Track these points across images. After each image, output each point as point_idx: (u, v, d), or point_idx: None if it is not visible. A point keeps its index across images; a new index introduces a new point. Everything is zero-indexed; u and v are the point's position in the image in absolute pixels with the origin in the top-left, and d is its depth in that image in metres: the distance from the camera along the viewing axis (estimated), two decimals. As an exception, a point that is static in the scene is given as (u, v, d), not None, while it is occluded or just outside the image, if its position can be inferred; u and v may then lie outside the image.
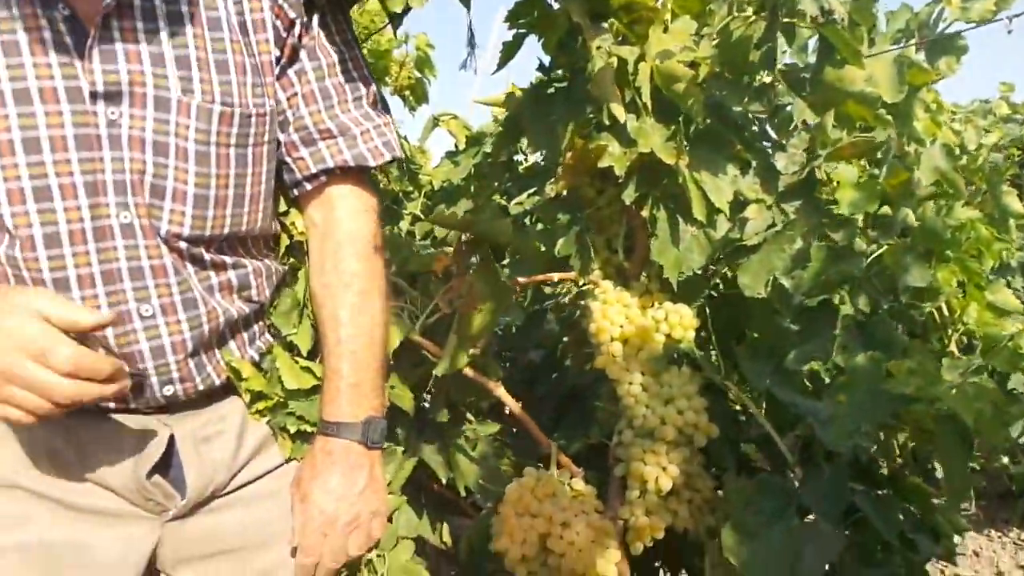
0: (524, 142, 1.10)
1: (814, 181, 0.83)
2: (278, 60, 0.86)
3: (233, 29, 0.82)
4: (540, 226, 1.26)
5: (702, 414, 0.92)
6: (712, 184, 0.87)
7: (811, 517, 0.80)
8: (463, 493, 1.09)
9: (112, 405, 0.83)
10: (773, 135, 0.92)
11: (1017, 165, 2.76)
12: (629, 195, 0.90)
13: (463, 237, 1.00)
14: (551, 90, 0.95)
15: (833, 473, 0.83)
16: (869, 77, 0.93)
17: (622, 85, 0.88)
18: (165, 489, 0.85)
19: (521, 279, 1.01)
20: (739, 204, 0.89)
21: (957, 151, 1.28)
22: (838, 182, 0.83)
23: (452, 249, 0.99)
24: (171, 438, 0.85)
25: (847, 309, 0.79)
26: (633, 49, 0.86)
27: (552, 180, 1.05)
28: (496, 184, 1.67)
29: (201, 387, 0.86)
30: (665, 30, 0.89)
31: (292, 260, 1.00)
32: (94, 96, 0.75)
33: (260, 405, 0.91)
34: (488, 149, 1.63)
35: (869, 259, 0.80)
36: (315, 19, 0.88)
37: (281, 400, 0.90)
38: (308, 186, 0.91)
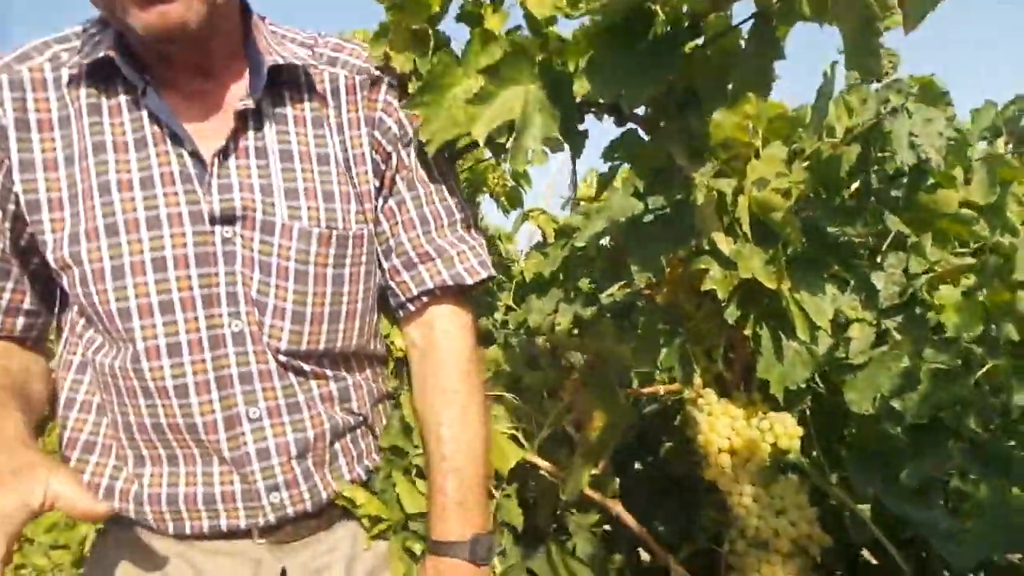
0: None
1: (915, 300, 0.86)
2: (379, 190, 0.96)
3: (339, 163, 0.93)
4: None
5: (815, 524, 0.94)
6: (812, 304, 0.91)
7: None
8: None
9: (225, 529, 0.89)
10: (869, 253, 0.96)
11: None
12: (731, 315, 0.95)
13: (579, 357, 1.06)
14: (649, 218, 1.02)
15: None
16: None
17: (720, 212, 0.94)
18: None
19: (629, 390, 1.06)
20: (840, 322, 0.92)
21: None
22: (942, 305, 0.86)
23: (576, 374, 1.04)
24: (283, 571, 0.91)
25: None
26: (730, 181, 0.92)
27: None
28: (584, 274, 1.74)
29: (307, 496, 0.91)
30: (757, 155, 0.95)
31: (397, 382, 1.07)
32: (212, 219, 0.86)
33: (379, 528, 0.95)
34: (578, 243, 1.71)
35: (976, 378, 0.82)
36: (412, 152, 0.98)
37: (402, 521, 0.95)
38: (411, 307, 0.99)
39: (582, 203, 1.90)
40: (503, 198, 2.09)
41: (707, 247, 0.94)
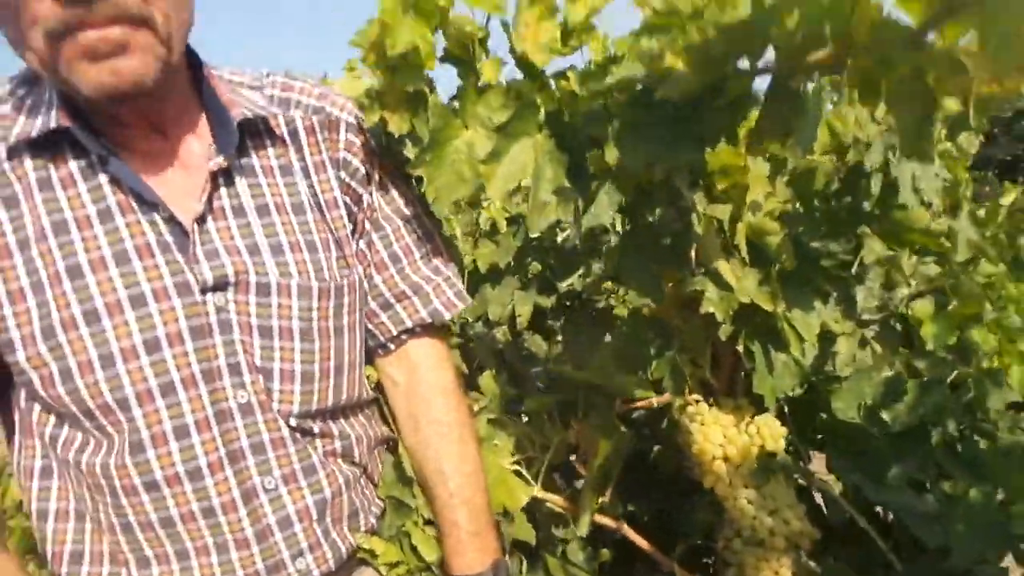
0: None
1: (892, 314, 0.93)
2: (352, 233, 0.93)
3: (314, 210, 0.89)
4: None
5: (805, 521, 1.02)
6: (802, 321, 0.96)
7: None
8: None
9: None
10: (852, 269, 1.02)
11: None
12: (725, 332, 1.00)
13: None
14: (640, 241, 1.03)
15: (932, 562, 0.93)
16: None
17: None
18: None
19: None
20: (825, 334, 0.99)
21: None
22: (919, 318, 0.93)
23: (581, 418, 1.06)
24: None
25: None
26: (726, 208, 0.95)
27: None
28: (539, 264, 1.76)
29: (330, 555, 0.89)
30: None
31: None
32: (203, 289, 0.79)
33: (398, 572, 0.96)
34: (531, 232, 1.72)
35: (951, 386, 0.91)
36: (374, 192, 0.94)
37: (422, 567, 0.96)
38: (391, 346, 0.98)
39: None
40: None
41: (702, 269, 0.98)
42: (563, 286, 1.69)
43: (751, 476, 1.05)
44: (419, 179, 0.95)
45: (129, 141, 0.80)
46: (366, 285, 0.94)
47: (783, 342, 0.97)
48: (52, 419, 0.82)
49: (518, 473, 1.03)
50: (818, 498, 1.18)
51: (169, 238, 0.79)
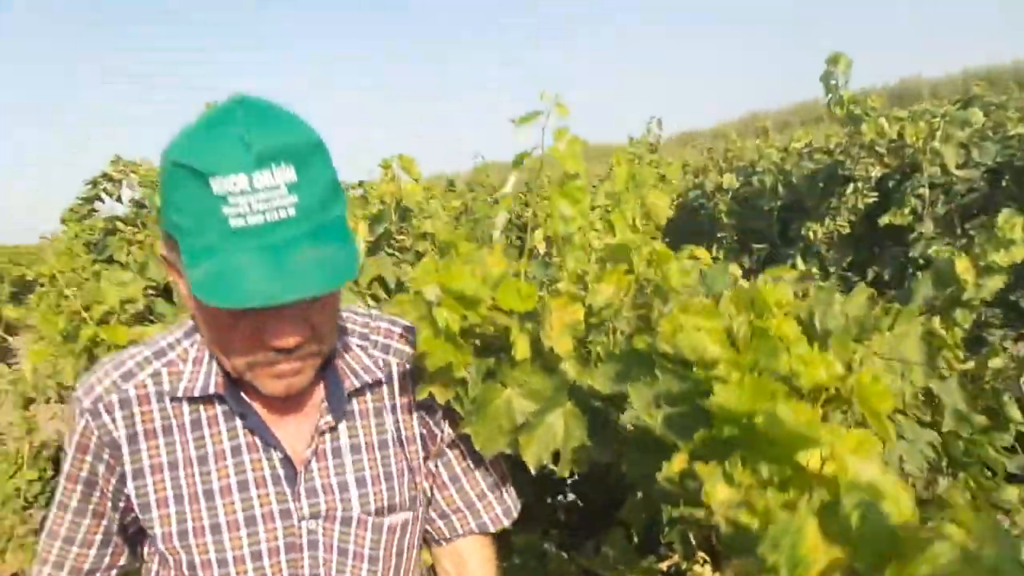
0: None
1: None
2: (425, 459, 1.10)
3: (395, 443, 1.05)
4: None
5: None
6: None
7: None
8: None
9: None
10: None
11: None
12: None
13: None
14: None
15: None
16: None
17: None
18: None
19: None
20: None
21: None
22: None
23: None
24: None
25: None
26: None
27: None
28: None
29: None
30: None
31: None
32: (300, 518, 0.98)
33: None
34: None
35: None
36: (444, 423, 1.10)
37: None
38: (443, 544, 1.15)
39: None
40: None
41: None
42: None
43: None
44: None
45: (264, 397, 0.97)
46: (428, 495, 1.11)
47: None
48: None
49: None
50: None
51: (281, 472, 0.97)
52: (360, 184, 3.50)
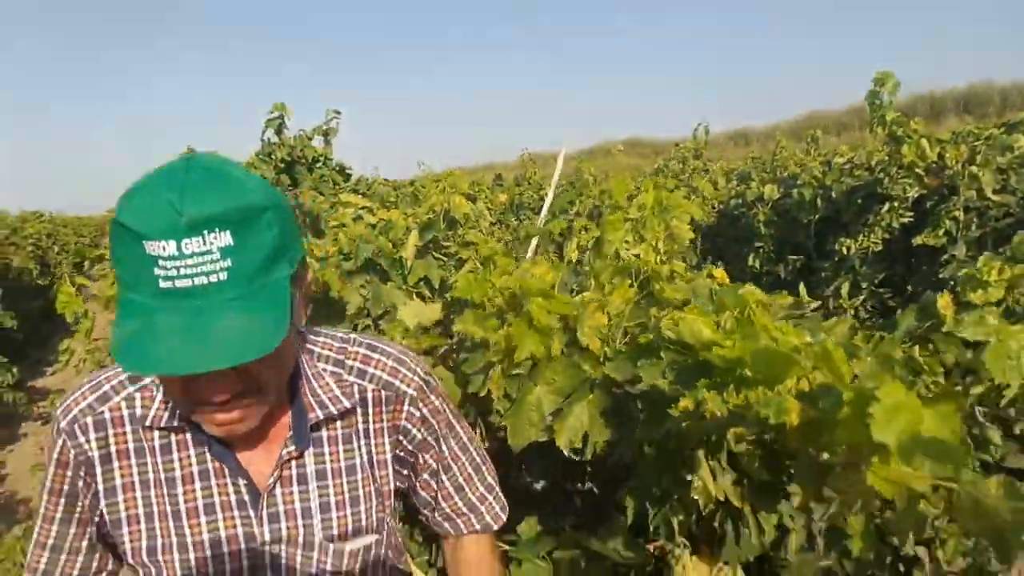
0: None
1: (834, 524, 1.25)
2: (410, 474, 1.14)
3: (364, 468, 1.06)
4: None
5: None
6: (764, 516, 1.29)
7: None
8: None
9: None
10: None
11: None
12: (708, 511, 1.33)
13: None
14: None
15: None
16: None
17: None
18: None
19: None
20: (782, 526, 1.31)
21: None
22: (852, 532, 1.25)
23: None
24: None
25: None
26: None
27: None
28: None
29: None
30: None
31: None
32: (263, 542, 1.01)
33: None
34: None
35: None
36: (442, 443, 1.14)
37: None
38: (449, 539, 1.24)
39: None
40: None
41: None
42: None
43: (717, 613, 1.38)
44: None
45: None
46: (432, 503, 1.18)
47: (748, 527, 1.30)
48: None
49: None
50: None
51: (246, 498, 1.01)
52: (412, 183, 3.75)
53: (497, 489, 1.24)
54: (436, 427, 1.12)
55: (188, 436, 0.99)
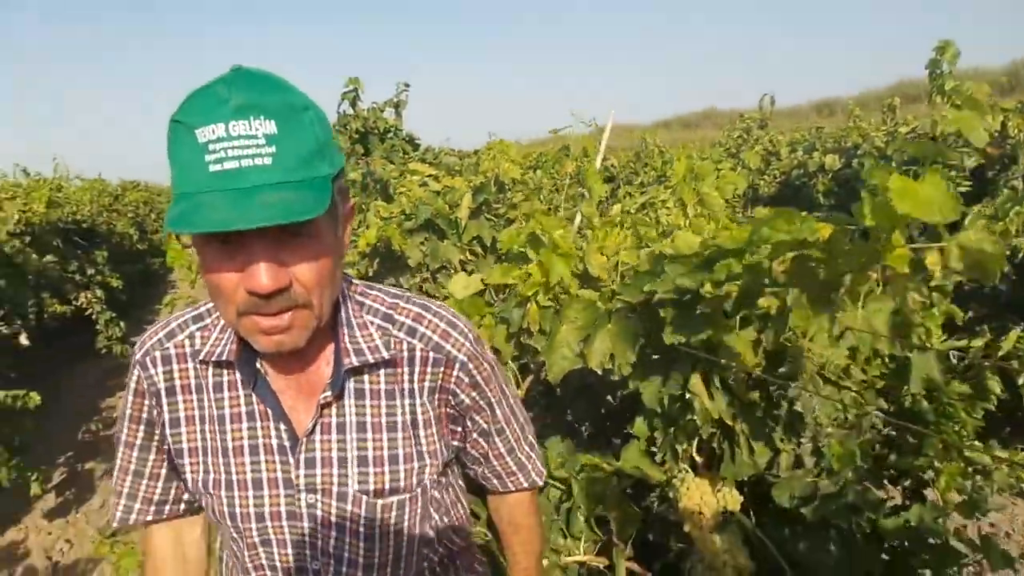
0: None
1: (818, 444, 1.45)
2: (461, 433, 1.15)
3: (407, 427, 1.06)
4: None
5: (747, 558, 1.57)
6: (756, 444, 1.51)
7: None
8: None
9: None
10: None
11: None
12: (705, 432, 1.55)
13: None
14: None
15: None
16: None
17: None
18: None
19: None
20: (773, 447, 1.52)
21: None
22: (833, 449, 1.45)
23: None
24: None
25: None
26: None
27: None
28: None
29: None
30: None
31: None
32: (299, 488, 1.03)
33: None
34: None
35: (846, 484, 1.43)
36: (493, 406, 1.15)
37: None
38: (496, 494, 1.31)
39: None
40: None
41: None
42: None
43: (716, 525, 1.60)
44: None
45: (276, 362, 1.05)
46: (483, 460, 1.22)
47: (741, 447, 1.51)
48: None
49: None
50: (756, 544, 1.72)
51: (286, 443, 1.03)
52: (475, 153, 3.98)
53: (537, 447, 1.30)
54: (488, 392, 1.13)
55: (237, 377, 1.04)
